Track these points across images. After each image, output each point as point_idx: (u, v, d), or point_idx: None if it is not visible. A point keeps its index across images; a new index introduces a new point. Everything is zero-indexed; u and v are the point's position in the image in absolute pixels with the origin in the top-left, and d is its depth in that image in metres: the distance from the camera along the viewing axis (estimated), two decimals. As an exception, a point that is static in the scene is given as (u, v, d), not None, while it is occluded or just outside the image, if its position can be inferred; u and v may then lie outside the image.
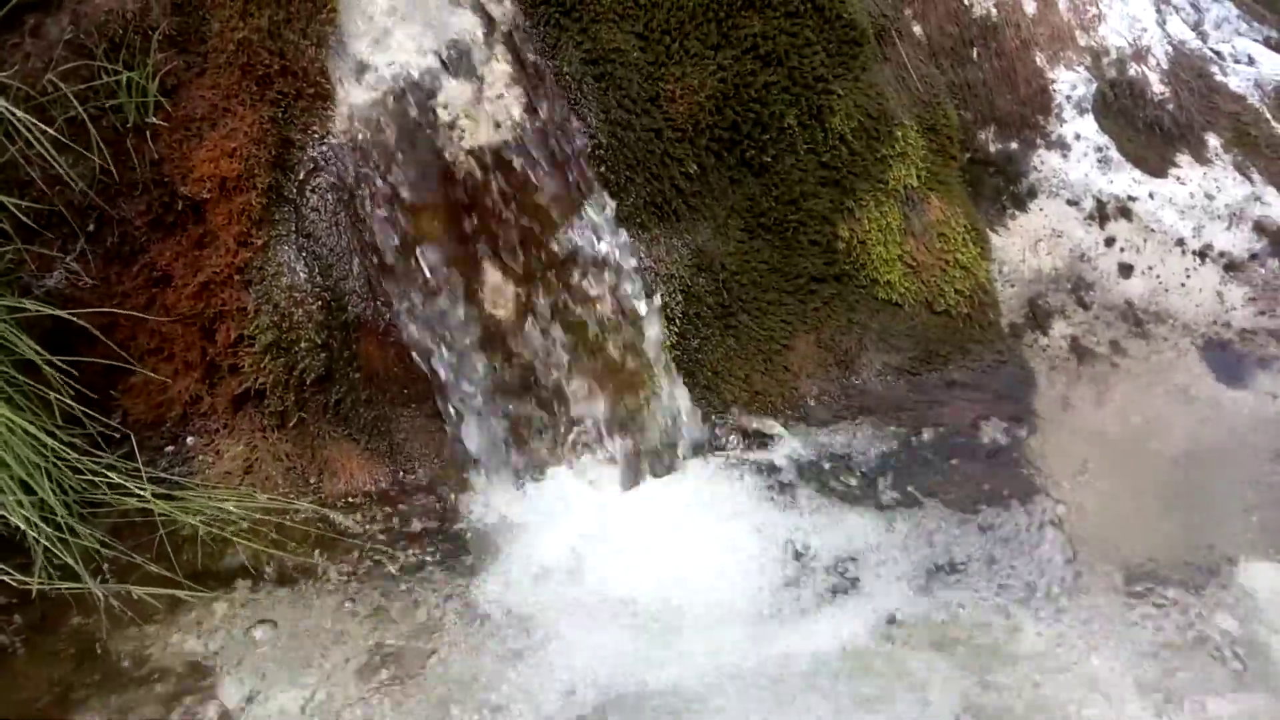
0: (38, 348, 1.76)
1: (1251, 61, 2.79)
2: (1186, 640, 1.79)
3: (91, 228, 1.93)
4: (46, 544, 1.70)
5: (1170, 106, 2.57)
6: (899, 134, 2.34)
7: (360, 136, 1.97)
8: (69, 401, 1.80)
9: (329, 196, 2.02)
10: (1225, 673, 1.73)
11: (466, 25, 2.04)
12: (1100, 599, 1.87)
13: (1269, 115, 2.65)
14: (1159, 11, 2.69)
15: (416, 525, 2.01)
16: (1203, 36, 2.82)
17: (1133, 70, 2.56)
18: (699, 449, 2.15)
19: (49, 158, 1.80)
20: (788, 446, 2.16)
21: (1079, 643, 1.79)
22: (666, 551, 1.95)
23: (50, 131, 1.78)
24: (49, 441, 1.74)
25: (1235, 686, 1.71)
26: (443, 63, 2.01)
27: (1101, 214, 2.47)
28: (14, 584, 1.70)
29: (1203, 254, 2.48)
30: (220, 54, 1.95)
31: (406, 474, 2.09)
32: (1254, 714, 1.67)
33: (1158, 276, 2.47)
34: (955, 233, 2.39)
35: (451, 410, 2.04)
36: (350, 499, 2.04)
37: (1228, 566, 1.93)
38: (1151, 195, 2.48)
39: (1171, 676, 1.72)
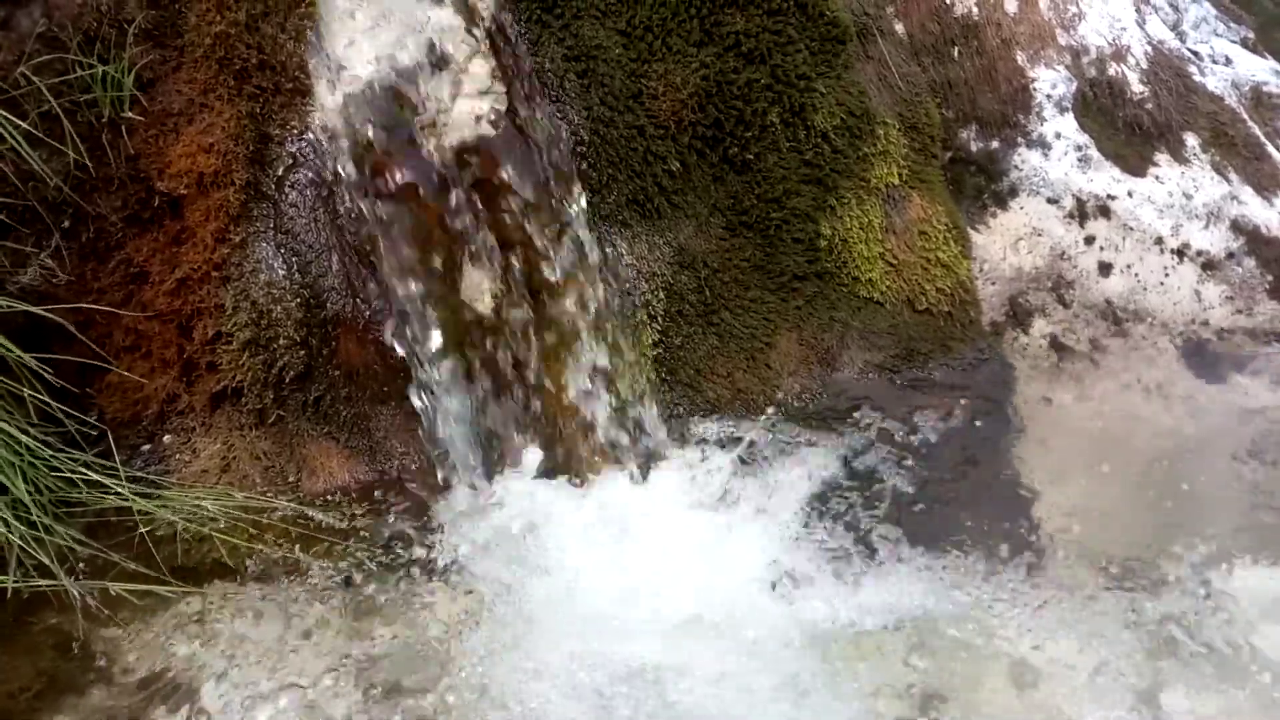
0: (11, 345, 1.73)
1: (1229, 62, 2.81)
2: (1162, 637, 1.80)
3: (66, 224, 1.90)
4: (21, 543, 1.68)
5: (1149, 106, 2.58)
6: (881, 132, 2.34)
7: (339, 131, 1.96)
8: (44, 399, 1.77)
9: (308, 192, 2.01)
10: (1201, 670, 1.74)
11: (448, 21, 2.02)
12: (1077, 595, 1.88)
13: (1245, 115, 2.68)
14: (1138, 11, 2.71)
15: (396, 522, 2.00)
16: (1181, 37, 2.84)
17: (1112, 69, 2.58)
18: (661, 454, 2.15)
19: (22, 152, 1.77)
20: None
21: (1055, 639, 1.80)
22: (648, 547, 1.95)
23: (23, 126, 1.76)
24: (23, 439, 1.72)
25: (1211, 683, 1.72)
26: (423, 58, 1.99)
27: (1081, 212, 2.48)
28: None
29: (1181, 252, 2.50)
30: (197, 48, 1.93)
31: (386, 471, 2.08)
32: (1231, 711, 1.68)
33: (1136, 275, 2.48)
34: (937, 231, 2.40)
35: (427, 406, 2.03)
36: (329, 497, 2.03)
37: (1204, 563, 1.94)
38: (1130, 194, 2.50)
39: (1147, 674, 1.74)
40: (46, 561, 1.70)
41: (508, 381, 2.07)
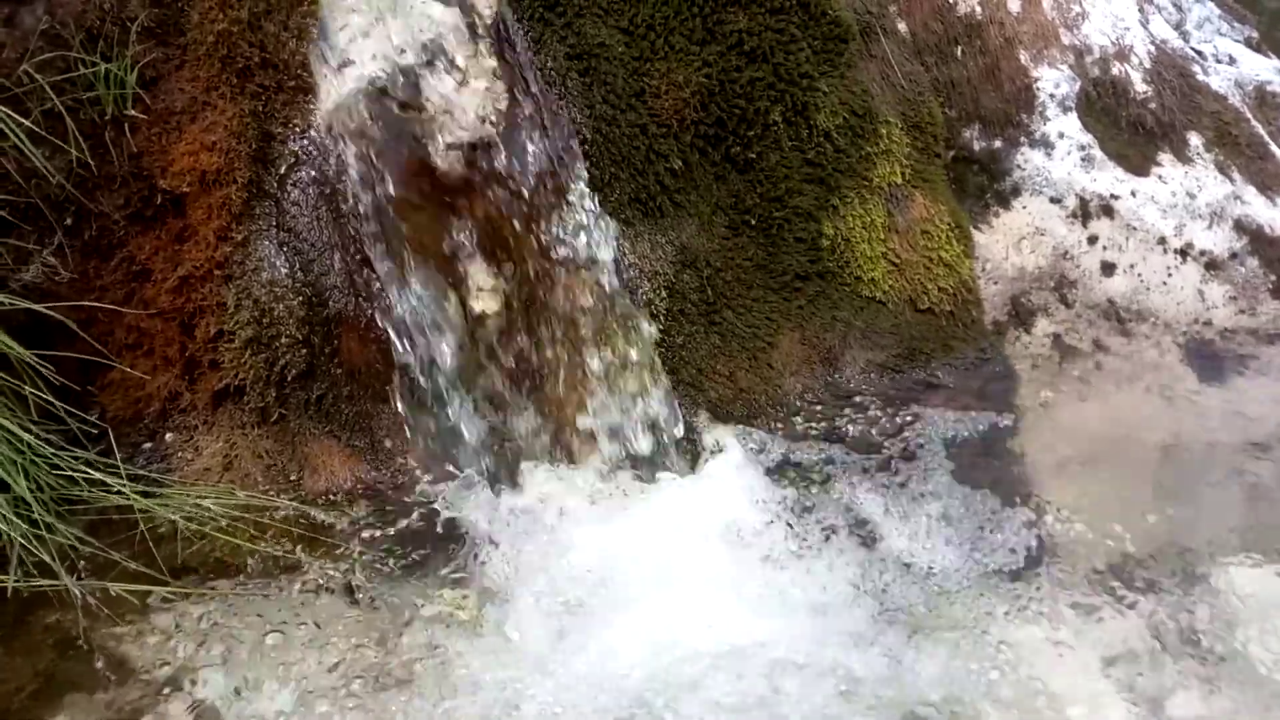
0: (12, 342, 1.74)
1: (1232, 61, 2.81)
2: (1163, 637, 1.80)
3: (69, 221, 1.90)
4: (22, 541, 1.68)
5: (1152, 105, 2.58)
6: (883, 131, 2.34)
7: (342, 130, 1.96)
8: (46, 396, 1.77)
9: (310, 191, 2.01)
10: (1202, 670, 1.74)
11: (450, 19, 2.02)
12: (1077, 595, 1.88)
13: (1249, 115, 2.67)
14: (1141, 11, 2.71)
15: (398, 522, 1.99)
16: (1185, 36, 2.84)
17: (1116, 69, 2.58)
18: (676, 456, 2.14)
19: (25, 150, 1.77)
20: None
21: (1056, 638, 1.79)
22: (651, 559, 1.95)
23: (26, 124, 1.76)
24: (25, 436, 1.72)
25: (1212, 684, 1.72)
26: (426, 57, 1.99)
27: (1084, 212, 2.48)
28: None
29: (1184, 252, 2.50)
30: (200, 46, 1.93)
31: (387, 471, 2.08)
32: (1231, 712, 1.68)
33: (1139, 275, 2.48)
34: (939, 230, 2.40)
35: (431, 406, 2.03)
36: (331, 496, 2.03)
37: (1205, 563, 1.94)
38: (1134, 194, 2.50)
39: (1149, 674, 1.73)
40: (48, 560, 1.70)
41: (511, 379, 2.07)
